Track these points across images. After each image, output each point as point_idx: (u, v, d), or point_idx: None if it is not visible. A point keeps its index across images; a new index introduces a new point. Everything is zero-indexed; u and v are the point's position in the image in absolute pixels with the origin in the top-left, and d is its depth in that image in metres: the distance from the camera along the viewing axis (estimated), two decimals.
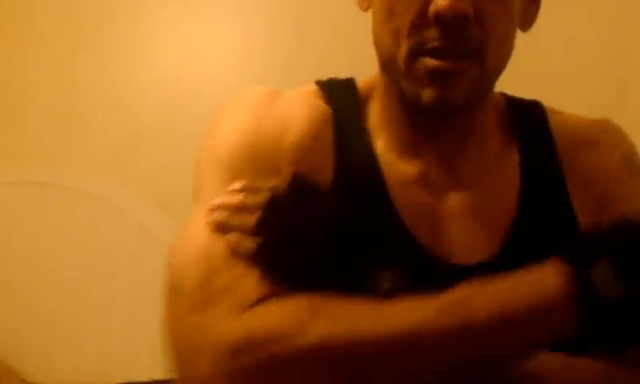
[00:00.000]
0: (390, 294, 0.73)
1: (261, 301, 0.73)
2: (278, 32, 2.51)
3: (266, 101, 0.89)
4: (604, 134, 0.92)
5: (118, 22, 2.55)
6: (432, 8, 0.77)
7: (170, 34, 2.56)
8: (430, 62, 0.78)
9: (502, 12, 0.81)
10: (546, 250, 0.71)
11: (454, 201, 0.86)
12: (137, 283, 2.37)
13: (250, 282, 0.74)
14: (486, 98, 0.88)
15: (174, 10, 2.55)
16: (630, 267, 0.68)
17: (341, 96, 0.90)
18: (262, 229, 0.76)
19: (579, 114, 0.95)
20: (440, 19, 0.76)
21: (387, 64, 0.84)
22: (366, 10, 0.88)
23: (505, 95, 0.94)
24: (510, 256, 0.81)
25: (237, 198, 0.78)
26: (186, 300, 0.75)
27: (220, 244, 0.77)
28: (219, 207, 0.78)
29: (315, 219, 0.77)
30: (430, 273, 0.81)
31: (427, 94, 0.79)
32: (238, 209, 0.77)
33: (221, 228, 0.77)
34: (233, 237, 0.76)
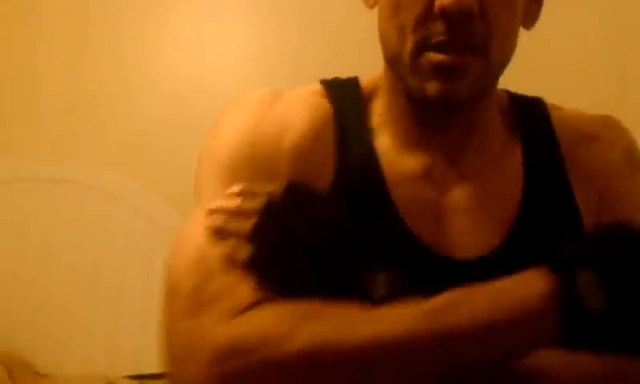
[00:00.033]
0: (386, 296, 0.73)
1: (253, 306, 0.74)
2: (287, 29, 2.51)
3: (266, 102, 0.89)
4: (605, 129, 0.92)
5: (129, 17, 2.56)
6: (438, 3, 0.77)
7: (181, 30, 2.56)
8: (435, 56, 0.79)
9: (505, 8, 0.81)
10: (549, 243, 0.71)
11: (458, 196, 0.86)
12: (147, 277, 2.37)
13: (243, 287, 0.75)
14: (489, 94, 0.88)
15: (184, 5, 2.55)
16: (616, 276, 0.68)
17: (344, 95, 0.91)
18: (256, 236, 0.76)
19: (580, 110, 0.95)
20: (446, 14, 0.77)
21: (392, 59, 0.84)
22: (371, 7, 0.88)
23: (507, 92, 0.95)
24: (514, 250, 0.82)
25: (234, 202, 0.78)
26: (180, 303, 0.76)
27: (216, 248, 0.77)
28: (217, 211, 0.78)
29: (312, 224, 0.77)
30: (431, 269, 0.82)
31: (432, 88, 0.80)
32: (236, 213, 0.78)
33: (218, 233, 0.77)
34: (228, 244, 0.76)
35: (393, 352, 0.69)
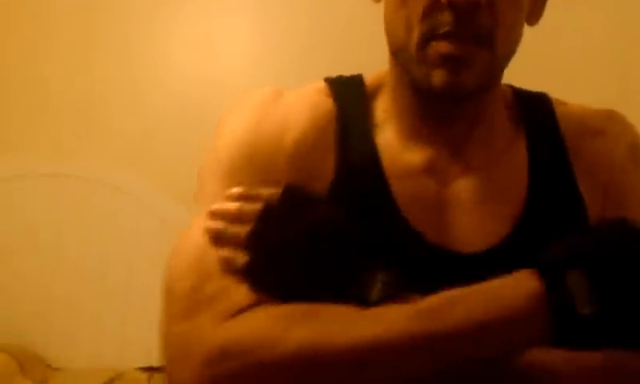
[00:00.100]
0: (383, 297, 0.74)
1: (249, 308, 0.74)
2: (295, 28, 2.51)
3: (267, 102, 0.89)
4: (610, 124, 0.92)
5: (136, 15, 2.56)
6: None
7: (188, 28, 2.56)
8: (442, 46, 0.79)
9: (512, 1, 0.82)
10: (555, 235, 0.72)
11: (463, 189, 0.86)
12: (155, 271, 2.35)
13: (239, 289, 0.75)
14: (494, 86, 0.88)
15: (192, 5, 2.56)
16: (606, 276, 0.68)
17: (347, 93, 0.91)
18: (254, 241, 0.76)
19: (585, 105, 0.95)
20: (453, 4, 0.78)
21: (399, 51, 0.84)
22: (378, 0, 0.88)
23: (512, 87, 0.95)
24: (520, 243, 0.82)
25: (234, 205, 0.78)
26: (177, 304, 0.76)
27: (214, 251, 0.77)
28: (216, 215, 0.78)
29: (310, 229, 0.77)
30: (435, 264, 0.81)
31: (438, 78, 0.79)
32: (236, 217, 0.78)
33: (217, 237, 0.77)
34: (225, 251, 0.76)
35: (386, 353, 0.70)
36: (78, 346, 2.49)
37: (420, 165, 0.87)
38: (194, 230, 0.80)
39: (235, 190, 0.79)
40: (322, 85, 0.92)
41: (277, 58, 2.51)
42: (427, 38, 0.80)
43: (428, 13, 0.79)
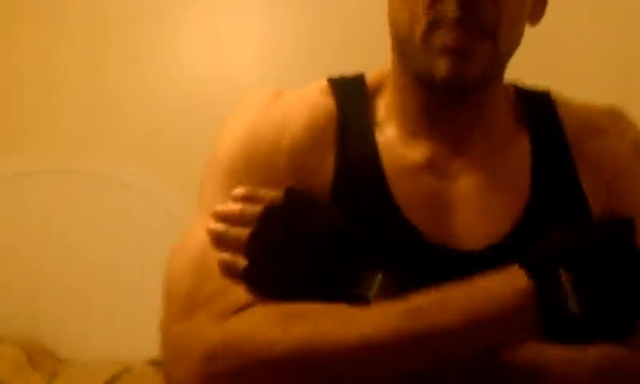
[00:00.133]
0: (385, 295, 0.74)
1: (246, 307, 0.75)
2: (301, 25, 2.52)
3: (266, 102, 0.90)
4: (613, 122, 0.91)
5: (147, 12, 2.57)
6: None
7: (198, 28, 2.57)
8: (447, 35, 0.79)
9: None
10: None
11: (465, 185, 0.86)
12: (165, 266, 2.37)
13: (236, 289, 0.76)
14: (496, 82, 0.88)
15: (201, 3, 2.57)
16: (592, 273, 0.69)
17: (349, 92, 0.91)
18: (253, 244, 0.76)
19: (587, 102, 0.95)
20: None
21: (403, 42, 0.84)
22: None
23: (515, 85, 0.95)
24: (522, 240, 0.82)
25: (237, 207, 0.79)
26: (175, 305, 0.77)
27: (213, 251, 0.78)
28: (219, 216, 0.79)
29: (311, 230, 0.77)
30: (435, 262, 0.82)
31: (442, 67, 0.79)
32: (237, 219, 0.78)
33: (218, 240, 0.78)
34: (226, 254, 0.77)
35: (376, 351, 0.70)
36: (88, 340, 2.51)
37: (421, 162, 0.87)
38: (194, 230, 0.81)
39: (239, 191, 0.80)
40: (324, 84, 0.92)
41: (285, 57, 2.51)
42: (432, 28, 0.80)
43: (433, 3, 0.80)
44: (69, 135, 2.59)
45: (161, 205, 2.50)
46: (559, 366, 0.74)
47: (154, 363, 2.23)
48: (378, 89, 0.92)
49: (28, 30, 2.61)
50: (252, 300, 0.75)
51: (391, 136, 0.88)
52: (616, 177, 0.87)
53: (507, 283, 0.71)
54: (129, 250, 2.51)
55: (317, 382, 0.72)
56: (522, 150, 0.89)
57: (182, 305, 0.77)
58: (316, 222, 0.79)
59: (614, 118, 0.92)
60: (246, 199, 0.79)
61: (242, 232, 0.77)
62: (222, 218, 0.79)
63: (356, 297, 0.75)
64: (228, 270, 0.76)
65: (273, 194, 0.80)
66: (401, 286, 0.75)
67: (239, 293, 0.76)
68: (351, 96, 0.91)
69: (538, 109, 0.92)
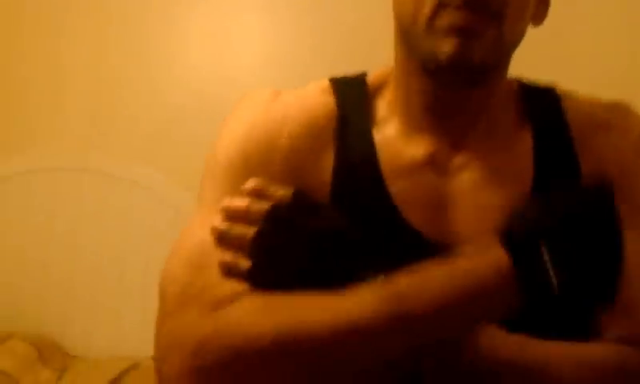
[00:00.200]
0: None
1: (235, 299, 0.75)
2: (307, 24, 2.52)
3: (265, 102, 0.90)
4: (619, 117, 0.91)
5: (153, 11, 2.57)
6: None
7: (204, 25, 2.57)
8: (452, 15, 0.78)
9: None
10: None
11: (465, 181, 0.86)
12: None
13: (225, 281, 0.76)
14: (500, 73, 0.88)
15: (207, 1, 2.57)
16: (570, 247, 0.69)
17: (350, 91, 0.91)
18: (258, 242, 0.76)
19: (593, 97, 0.94)
20: None
21: (407, 31, 0.84)
22: None
23: (519, 81, 0.94)
24: None
25: (244, 203, 0.78)
26: (169, 304, 0.78)
27: (208, 247, 0.77)
28: (224, 212, 0.78)
29: (312, 232, 0.77)
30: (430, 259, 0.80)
31: (447, 48, 0.79)
32: (243, 216, 0.78)
33: (221, 238, 0.78)
34: (228, 255, 0.77)
35: (360, 335, 0.71)
36: (94, 337, 2.52)
37: (421, 158, 0.87)
38: (192, 230, 0.82)
39: (249, 184, 0.80)
40: (326, 84, 0.92)
41: (292, 57, 2.51)
42: (437, 11, 0.79)
43: None
44: (75, 133, 2.59)
45: (167, 203, 2.50)
46: (560, 366, 0.74)
47: None
48: (379, 87, 0.92)
49: (34, 28, 2.61)
50: (239, 292, 0.76)
51: (391, 134, 0.88)
52: (621, 172, 0.85)
53: (487, 261, 0.71)
54: (135, 248, 2.52)
55: (305, 369, 0.72)
56: (525, 145, 0.88)
57: (175, 301, 0.77)
58: (321, 224, 0.79)
59: (619, 112, 0.92)
60: (255, 193, 0.79)
61: (246, 230, 0.77)
62: (228, 214, 0.78)
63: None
64: (229, 271, 0.77)
65: (282, 191, 0.79)
66: None
67: (227, 284, 0.76)
68: (352, 95, 0.91)
69: (542, 104, 0.91)
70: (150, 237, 2.49)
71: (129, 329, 2.49)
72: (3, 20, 2.62)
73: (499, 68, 0.87)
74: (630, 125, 0.90)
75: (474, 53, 0.79)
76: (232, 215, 0.78)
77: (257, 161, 0.84)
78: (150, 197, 2.53)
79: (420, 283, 0.71)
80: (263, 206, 0.78)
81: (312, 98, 0.90)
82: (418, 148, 0.87)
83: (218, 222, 0.78)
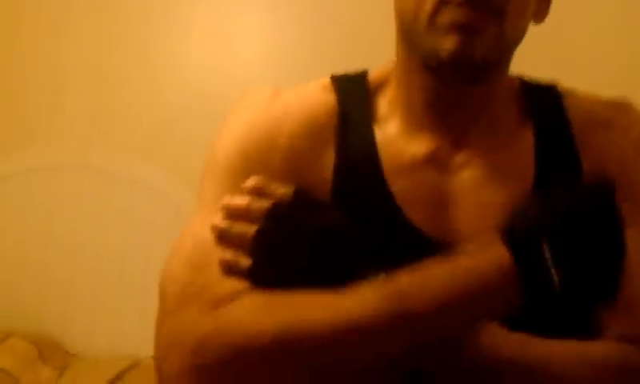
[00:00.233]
0: None
1: (235, 297, 0.75)
2: (308, 22, 2.52)
3: (264, 101, 0.90)
4: (619, 115, 0.90)
5: (154, 9, 2.57)
6: None
7: (204, 24, 2.57)
8: (454, 12, 0.78)
9: None
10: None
11: (466, 179, 0.86)
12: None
13: (225, 279, 0.76)
14: (501, 70, 0.88)
15: (208, 0, 2.57)
16: (571, 244, 0.69)
17: (351, 89, 0.91)
18: (259, 240, 0.76)
19: (594, 94, 0.94)
20: None
21: (408, 29, 0.84)
22: None
23: (520, 78, 0.94)
24: None
25: (244, 201, 0.78)
26: (168, 303, 0.78)
27: (208, 246, 0.77)
28: (225, 210, 0.78)
29: (314, 231, 0.77)
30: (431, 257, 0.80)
31: (448, 44, 0.79)
32: (243, 214, 0.78)
33: (221, 236, 0.78)
34: (228, 253, 0.77)
35: (360, 333, 0.70)
36: (95, 335, 2.52)
37: (422, 156, 0.87)
38: (192, 229, 0.82)
39: (250, 182, 0.79)
40: (327, 81, 0.92)
41: (293, 55, 2.51)
42: (439, 8, 0.80)
43: None
44: (75, 132, 2.59)
45: (167, 202, 2.50)
46: (562, 364, 0.74)
47: None
48: (380, 85, 0.92)
49: (35, 26, 2.61)
50: (239, 290, 0.76)
51: (392, 132, 0.88)
52: (622, 170, 0.85)
53: (488, 258, 0.71)
54: (135, 247, 2.52)
55: (305, 368, 0.72)
56: (526, 143, 0.88)
57: (175, 300, 0.77)
58: (321, 222, 0.78)
59: (620, 110, 0.91)
60: (255, 191, 0.79)
61: (246, 229, 0.77)
62: (228, 212, 0.78)
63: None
64: (230, 269, 0.76)
65: (282, 189, 0.79)
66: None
67: (231, 283, 0.76)
68: (353, 93, 0.91)
69: (543, 101, 0.91)
70: (149, 236, 2.49)
71: (129, 327, 2.50)
72: (3, 20, 2.63)
73: (500, 65, 0.87)
74: (631, 122, 0.90)
75: (476, 50, 0.79)
76: (232, 213, 0.78)
77: (257, 160, 0.84)
78: (150, 196, 2.53)
79: (421, 281, 0.71)
80: (264, 204, 0.78)
81: (313, 95, 0.90)
82: (419, 146, 0.87)
83: (218, 220, 0.78)
